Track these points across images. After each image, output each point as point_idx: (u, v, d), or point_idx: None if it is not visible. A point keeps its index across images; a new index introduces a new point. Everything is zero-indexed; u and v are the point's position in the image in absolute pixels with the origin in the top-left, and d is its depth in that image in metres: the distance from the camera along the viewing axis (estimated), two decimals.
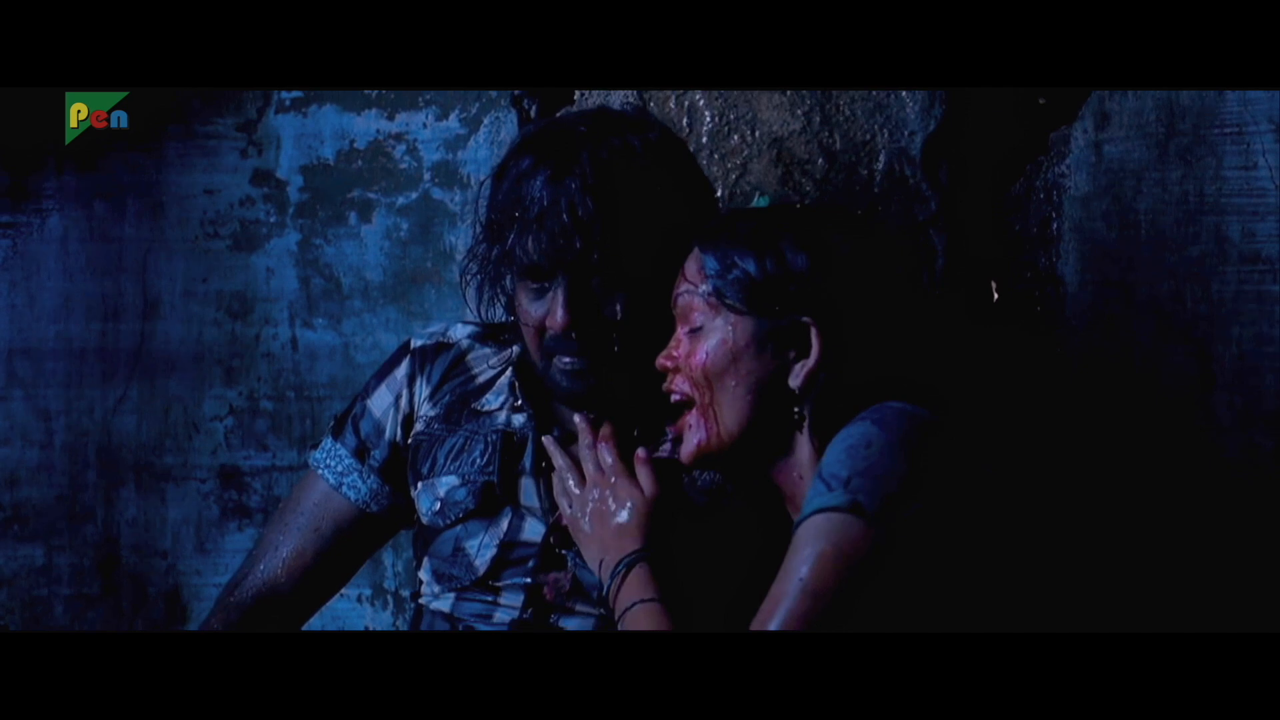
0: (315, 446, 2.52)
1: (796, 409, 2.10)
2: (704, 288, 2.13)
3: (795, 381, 2.09)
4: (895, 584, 1.91)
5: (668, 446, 2.32)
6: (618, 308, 2.26)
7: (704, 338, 2.12)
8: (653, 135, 2.30)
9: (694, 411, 2.15)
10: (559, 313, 2.24)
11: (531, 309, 2.28)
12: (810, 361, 2.08)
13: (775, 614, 1.89)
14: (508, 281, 2.33)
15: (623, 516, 2.19)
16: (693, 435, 2.16)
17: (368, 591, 2.99)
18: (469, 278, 2.36)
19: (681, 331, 2.17)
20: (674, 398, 2.17)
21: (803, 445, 2.11)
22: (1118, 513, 2.62)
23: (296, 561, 2.45)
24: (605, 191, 2.21)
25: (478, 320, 2.44)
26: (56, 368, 3.02)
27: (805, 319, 2.08)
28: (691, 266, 2.17)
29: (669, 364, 2.17)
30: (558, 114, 2.70)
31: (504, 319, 2.41)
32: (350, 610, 2.96)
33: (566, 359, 2.28)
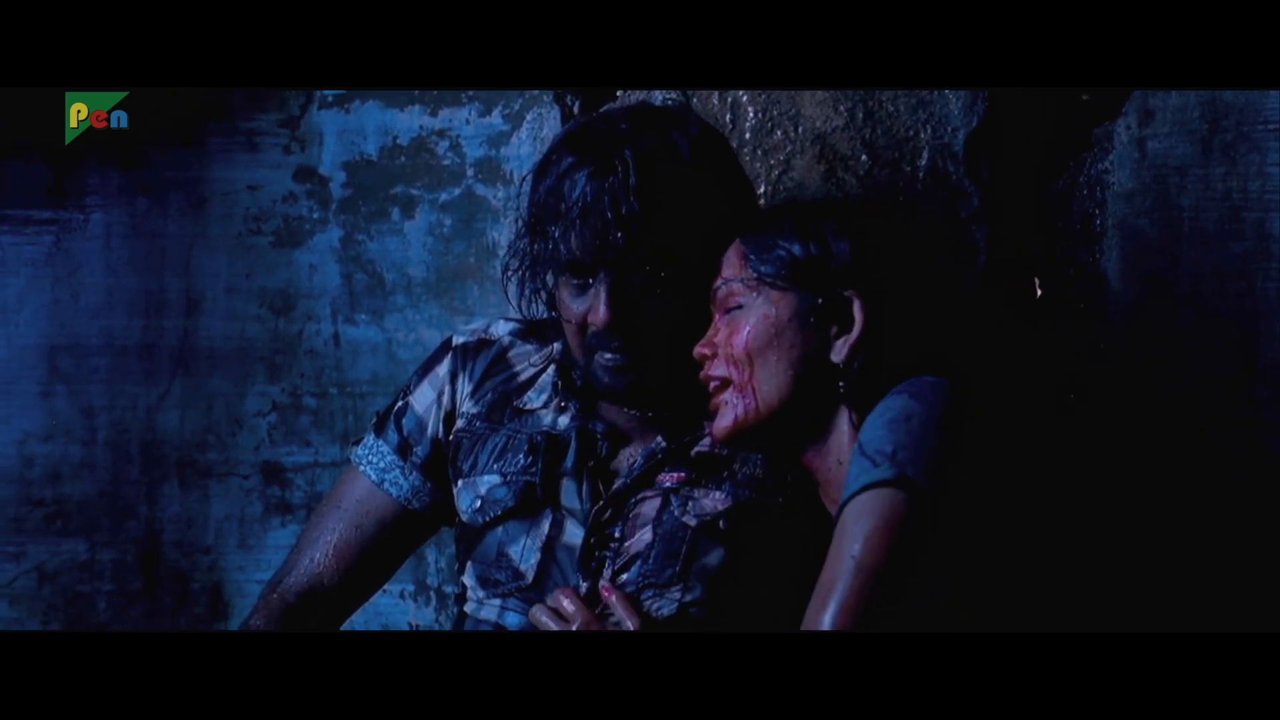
0: (357, 443, 2.52)
1: (841, 383, 2.11)
2: (745, 273, 2.15)
3: (838, 356, 2.11)
4: (945, 556, 1.91)
5: (708, 440, 2.32)
6: (660, 304, 2.26)
7: (745, 317, 2.13)
8: (694, 131, 2.30)
9: (731, 389, 2.15)
10: (601, 309, 2.25)
11: (574, 305, 2.29)
12: (854, 335, 2.09)
13: (832, 596, 1.89)
14: (549, 278, 2.34)
15: None
16: (729, 410, 2.16)
17: (411, 588, 2.99)
18: (510, 274, 2.37)
19: (720, 320, 2.18)
20: (712, 385, 2.18)
21: (842, 427, 2.12)
22: (1159, 509, 2.61)
23: (339, 558, 2.45)
24: (648, 188, 2.22)
25: (520, 317, 2.45)
26: (99, 364, 3.02)
27: (848, 293, 2.10)
28: (732, 257, 2.18)
29: (707, 351, 2.19)
30: (599, 110, 2.71)
31: (545, 315, 2.41)
32: (393, 606, 2.96)
33: (608, 355, 2.29)
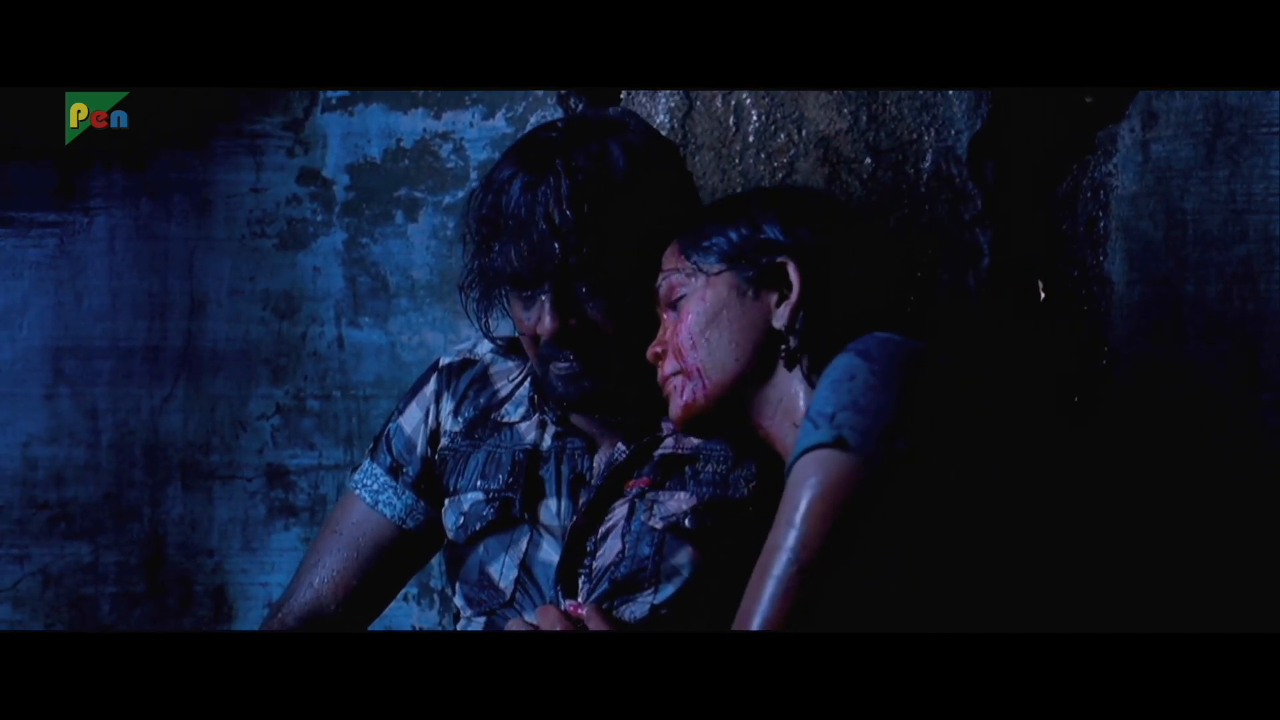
0: (355, 469, 2.54)
1: (783, 347, 2.11)
2: (682, 266, 2.16)
3: (780, 321, 2.12)
4: (892, 522, 1.90)
5: (670, 442, 2.33)
6: (605, 311, 2.26)
7: (686, 306, 2.15)
8: (633, 137, 2.29)
9: (680, 375, 2.16)
10: (546, 320, 2.25)
11: (524, 318, 2.30)
12: (793, 297, 2.10)
13: (774, 563, 1.88)
14: (504, 292, 2.34)
15: None
16: (677, 395, 2.17)
17: (414, 590, 3.00)
18: (468, 292, 2.37)
19: (667, 317, 2.20)
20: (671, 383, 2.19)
21: (797, 393, 2.11)
22: (1162, 510, 2.61)
23: (339, 582, 2.47)
24: (580, 197, 2.21)
25: (504, 335, 2.46)
26: (103, 366, 3.03)
27: (781, 259, 2.11)
28: (668, 254, 2.21)
29: (659, 349, 2.20)
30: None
31: (512, 331, 2.42)
32: (396, 609, 2.95)
33: (562, 365, 2.30)
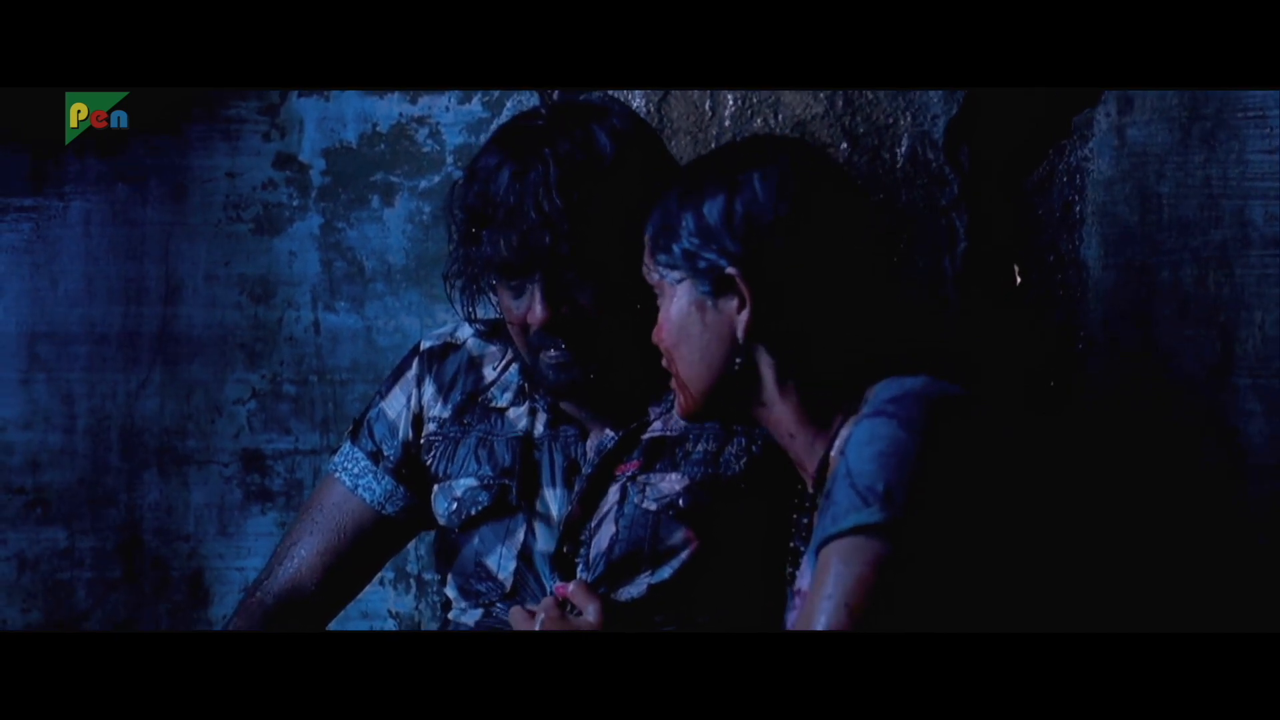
0: (334, 451, 2.54)
1: (739, 360, 2.09)
2: (651, 264, 2.13)
3: (740, 334, 2.07)
4: (929, 585, 1.89)
5: (658, 425, 2.35)
6: (595, 298, 2.26)
7: (661, 309, 2.13)
8: (617, 122, 2.29)
9: (673, 378, 2.15)
10: (537, 309, 2.25)
11: (513, 306, 2.30)
12: (746, 310, 2.07)
13: (814, 627, 1.86)
14: (489, 281, 2.34)
15: None
16: (677, 405, 2.15)
17: (390, 574, 3.00)
18: (452, 281, 2.36)
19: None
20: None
21: (776, 402, 2.09)
22: (1138, 498, 2.62)
23: (317, 564, 2.47)
24: (569, 185, 2.21)
25: (485, 318, 2.45)
26: (79, 351, 3.02)
27: (731, 270, 2.05)
28: (645, 243, 2.17)
29: (656, 341, 2.18)
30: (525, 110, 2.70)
31: (497, 315, 2.42)
32: (372, 593, 2.95)
33: (552, 353, 2.29)
